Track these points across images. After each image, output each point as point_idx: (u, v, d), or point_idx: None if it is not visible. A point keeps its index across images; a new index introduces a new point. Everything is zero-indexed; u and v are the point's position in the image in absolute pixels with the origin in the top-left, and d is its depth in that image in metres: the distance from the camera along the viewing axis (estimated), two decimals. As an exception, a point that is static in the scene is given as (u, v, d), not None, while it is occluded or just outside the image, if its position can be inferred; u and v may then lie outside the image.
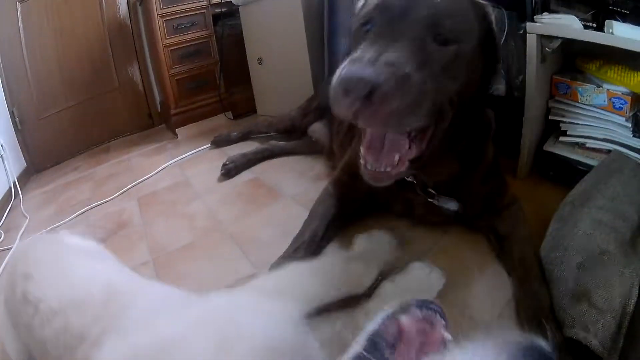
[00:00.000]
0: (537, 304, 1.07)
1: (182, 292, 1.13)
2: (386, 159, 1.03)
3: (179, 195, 2.27)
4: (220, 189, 2.21)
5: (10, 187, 2.78)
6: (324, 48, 2.43)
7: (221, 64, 3.25)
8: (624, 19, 1.38)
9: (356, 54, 0.88)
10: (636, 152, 1.45)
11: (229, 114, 3.34)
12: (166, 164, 2.71)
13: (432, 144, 1.08)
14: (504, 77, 1.73)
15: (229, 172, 2.28)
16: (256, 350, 0.81)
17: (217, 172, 2.33)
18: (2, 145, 2.76)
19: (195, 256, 1.68)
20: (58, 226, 2.25)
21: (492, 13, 1.07)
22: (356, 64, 0.84)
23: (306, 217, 1.52)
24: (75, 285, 1.09)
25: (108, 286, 1.08)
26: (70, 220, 2.29)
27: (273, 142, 2.42)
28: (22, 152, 3.15)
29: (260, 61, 2.96)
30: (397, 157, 1.03)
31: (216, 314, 0.93)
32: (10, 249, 2.07)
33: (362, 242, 1.32)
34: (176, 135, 3.26)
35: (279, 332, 0.87)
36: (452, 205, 1.33)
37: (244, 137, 2.74)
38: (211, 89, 3.32)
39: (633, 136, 1.45)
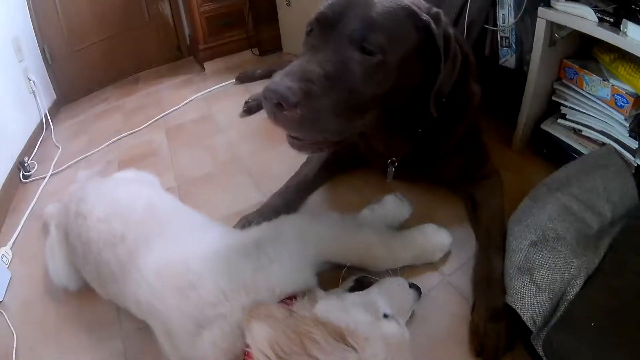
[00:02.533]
0: (490, 270, 1.23)
1: (204, 217, 1.37)
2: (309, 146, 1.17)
3: (204, 128, 2.40)
4: (241, 125, 2.36)
5: (41, 120, 2.82)
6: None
7: (250, 2, 3.25)
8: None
9: (288, 67, 1.03)
10: (629, 152, 1.44)
11: (255, 50, 3.37)
12: (193, 97, 2.82)
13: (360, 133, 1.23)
14: (515, 51, 1.74)
15: (250, 109, 2.42)
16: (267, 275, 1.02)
17: (240, 108, 2.45)
18: (33, 82, 2.78)
19: (214, 185, 1.87)
20: (90, 155, 2.39)
21: (438, 26, 1.12)
22: (278, 77, 0.98)
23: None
24: (119, 201, 1.32)
25: (149, 202, 1.31)
26: (101, 149, 2.42)
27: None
28: (52, 85, 3.19)
29: (288, 3, 2.98)
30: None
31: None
32: (44, 178, 2.27)
33: (376, 207, 1.45)
34: (204, 68, 3.30)
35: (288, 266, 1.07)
36: (389, 175, 1.49)
37: (267, 75, 2.75)
38: (239, 26, 3.34)
39: (629, 136, 1.43)
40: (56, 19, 3.06)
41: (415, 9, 1.12)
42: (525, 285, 1.10)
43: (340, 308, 0.95)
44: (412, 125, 1.29)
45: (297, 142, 1.15)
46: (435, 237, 1.33)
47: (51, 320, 1.44)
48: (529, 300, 1.07)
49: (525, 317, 1.05)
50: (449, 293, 1.27)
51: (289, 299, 1.00)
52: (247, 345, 0.83)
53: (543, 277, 1.10)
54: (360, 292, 1.08)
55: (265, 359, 0.77)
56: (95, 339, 1.35)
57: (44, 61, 3.08)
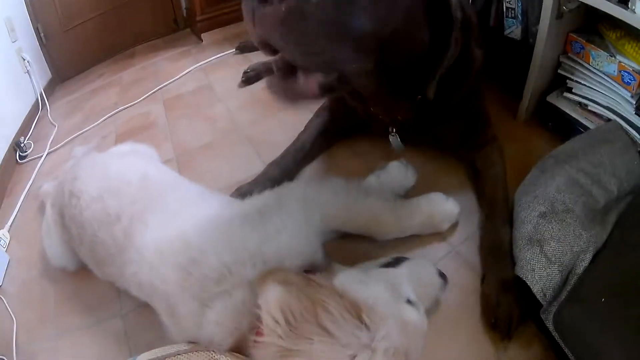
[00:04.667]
0: (497, 240, 1.20)
1: (203, 188, 1.32)
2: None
3: (202, 98, 2.37)
4: (241, 94, 2.31)
5: (37, 99, 2.82)
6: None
7: None
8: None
9: None
10: (634, 130, 1.42)
11: None
12: (191, 68, 2.76)
13: (351, 80, 1.02)
14: (521, 23, 1.70)
15: (250, 79, 2.36)
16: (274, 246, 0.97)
17: (239, 78, 2.40)
18: (28, 62, 2.76)
19: (214, 155, 1.84)
20: (87, 131, 2.37)
21: None
22: None
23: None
24: (112, 176, 1.27)
25: (143, 176, 1.25)
26: (98, 124, 2.40)
27: (293, 52, 2.45)
28: (47, 64, 3.15)
29: None
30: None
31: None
32: (40, 157, 2.26)
33: (381, 174, 1.41)
34: (201, 40, 3.26)
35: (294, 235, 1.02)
36: (397, 144, 1.44)
37: None
38: None
39: (635, 113, 1.41)
40: None
41: None
42: (535, 257, 1.09)
43: (361, 281, 0.91)
44: (411, 93, 1.22)
45: (303, 87, 0.95)
46: (442, 206, 1.30)
47: (50, 302, 1.43)
48: (539, 272, 1.06)
49: (536, 289, 1.04)
50: (457, 264, 1.25)
51: (306, 272, 0.95)
52: (258, 321, 0.78)
53: (553, 249, 1.09)
54: (388, 269, 1.04)
55: (274, 323, 0.74)
56: (95, 319, 1.34)
57: (38, 40, 3.05)
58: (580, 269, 1.05)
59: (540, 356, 1.03)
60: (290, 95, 0.97)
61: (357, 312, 0.77)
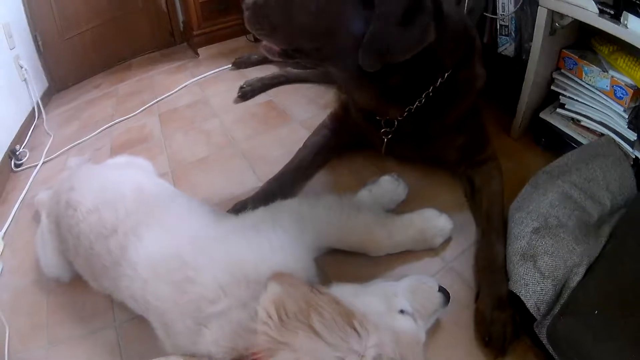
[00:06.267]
0: (492, 257, 1.23)
1: (199, 203, 1.35)
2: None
3: (198, 112, 2.40)
4: (236, 109, 2.34)
5: (33, 107, 2.81)
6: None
7: None
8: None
9: None
10: (627, 144, 1.44)
11: (250, 37, 3.32)
12: (187, 83, 2.81)
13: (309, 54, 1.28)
14: (515, 40, 1.75)
15: (245, 94, 2.41)
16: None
17: (235, 93, 2.44)
18: (25, 69, 2.77)
19: (209, 169, 1.86)
20: (83, 142, 2.39)
21: None
22: None
23: (307, 142, 1.71)
24: (107, 188, 1.28)
25: (138, 188, 1.27)
26: (94, 135, 2.42)
27: (289, 68, 2.49)
28: (44, 73, 3.16)
29: None
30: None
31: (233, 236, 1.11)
32: (35, 166, 2.27)
33: (372, 188, 1.45)
34: (197, 54, 3.30)
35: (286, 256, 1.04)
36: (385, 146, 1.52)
37: (263, 61, 2.76)
38: (234, 12, 3.30)
39: (627, 127, 1.43)
40: (48, 6, 3.06)
41: None
42: (529, 272, 1.11)
43: (354, 293, 0.95)
44: (384, 81, 1.29)
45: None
46: (435, 222, 1.32)
47: (42, 311, 1.43)
48: (533, 287, 1.08)
49: (530, 304, 1.05)
50: (451, 279, 1.26)
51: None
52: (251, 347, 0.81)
53: (547, 263, 1.11)
54: (385, 282, 1.07)
55: (266, 317, 0.79)
56: (88, 329, 1.34)
57: (35, 48, 3.08)
58: (573, 282, 1.06)
59: (535, 369, 1.05)
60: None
61: (349, 318, 0.80)
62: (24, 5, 2.93)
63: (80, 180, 1.36)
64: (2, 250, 1.72)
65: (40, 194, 1.78)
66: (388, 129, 1.46)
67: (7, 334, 1.36)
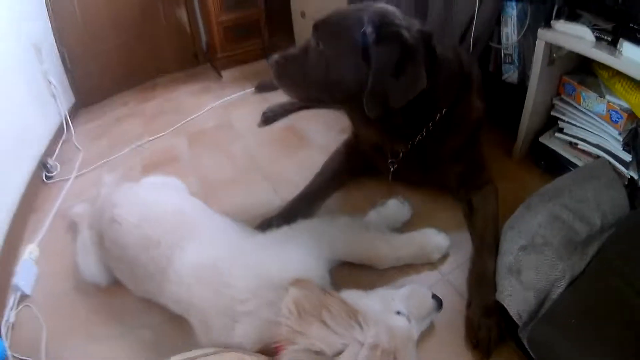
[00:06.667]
0: (483, 270, 1.36)
1: (231, 221, 1.52)
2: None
3: (223, 135, 2.51)
4: (259, 133, 2.47)
5: (62, 122, 2.87)
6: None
7: (266, 14, 3.32)
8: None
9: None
10: (622, 165, 1.52)
11: None
12: (212, 105, 2.91)
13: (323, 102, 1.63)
14: (517, 68, 1.83)
15: (268, 119, 2.54)
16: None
17: (257, 117, 2.56)
18: (54, 85, 2.83)
19: (236, 189, 2.01)
20: (114, 158, 2.49)
21: (389, 41, 1.30)
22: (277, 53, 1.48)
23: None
24: (150, 206, 1.45)
25: (179, 208, 1.45)
26: (124, 154, 2.53)
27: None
28: (71, 88, 3.23)
29: (303, 15, 3.03)
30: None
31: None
32: (68, 179, 2.36)
33: (381, 210, 1.61)
34: (221, 76, 3.40)
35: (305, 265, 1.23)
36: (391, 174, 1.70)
37: None
38: (255, 36, 3.40)
39: (623, 149, 1.51)
40: (75, 22, 3.11)
41: (366, 20, 1.32)
42: (513, 284, 1.22)
43: (358, 297, 1.13)
44: (388, 121, 1.45)
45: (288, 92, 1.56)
46: (434, 240, 1.48)
47: (80, 312, 1.54)
48: (516, 297, 1.19)
49: (512, 312, 1.16)
50: (446, 290, 1.39)
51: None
52: (275, 338, 1.01)
53: (529, 277, 1.21)
54: (386, 289, 1.25)
55: (288, 313, 1.00)
56: (126, 328, 1.45)
57: (62, 64, 3.17)
58: (555, 294, 1.17)
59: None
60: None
61: (353, 315, 1.01)
62: (50, 22, 2.98)
63: (122, 199, 1.51)
64: (38, 257, 1.81)
65: (76, 206, 1.89)
66: (393, 160, 1.61)
67: (44, 332, 1.46)
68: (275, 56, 1.47)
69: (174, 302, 1.27)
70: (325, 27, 1.39)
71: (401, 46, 1.28)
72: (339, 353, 0.96)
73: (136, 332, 1.43)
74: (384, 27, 1.31)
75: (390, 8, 1.40)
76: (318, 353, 0.95)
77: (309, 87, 1.46)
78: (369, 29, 1.29)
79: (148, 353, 1.36)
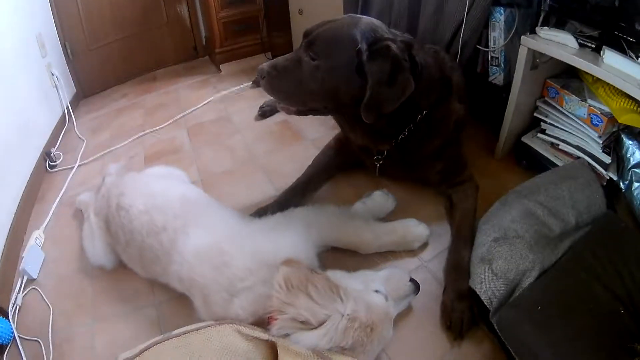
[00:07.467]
0: (458, 259, 1.47)
1: (230, 208, 1.62)
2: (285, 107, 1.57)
3: (222, 128, 2.63)
4: (256, 127, 2.57)
5: (64, 112, 2.92)
6: (358, 6, 2.58)
7: (265, 11, 3.37)
8: (630, 47, 1.37)
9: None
10: (601, 166, 1.58)
11: (269, 55, 3.46)
12: (211, 98, 2.99)
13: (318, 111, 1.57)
14: (504, 70, 1.89)
15: (265, 113, 2.64)
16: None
17: (255, 111, 2.65)
18: (56, 77, 2.88)
19: (234, 179, 2.10)
20: (116, 149, 2.56)
21: (377, 56, 1.38)
22: (266, 63, 1.50)
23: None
24: (156, 195, 1.55)
25: (182, 196, 1.55)
26: (126, 144, 2.60)
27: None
28: (73, 80, 3.27)
29: (300, 12, 3.08)
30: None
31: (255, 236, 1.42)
32: (71, 168, 2.42)
33: (366, 200, 1.73)
34: (220, 70, 3.46)
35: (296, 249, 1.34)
36: (377, 169, 1.78)
37: None
38: (254, 32, 3.48)
39: (602, 151, 1.57)
40: (77, 17, 3.18)
41: (358, 37, 1.40)
42: (484, 272, 1.30)
43: (341, 276, 1.26)
44: (373, 125, 1.52)
45: (283, 107, 1.58)
46: (415, 230, 1.60)
47: (86, 294, 1.62)
48: (487, 284, 1.27)
49: (484, 297, 1.25)
50: (425, 276, 1.51)
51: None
52: (270, 312, 1.13)
53: (500, 266, 1.29)
54: (367, 271, 1.38)
55: (279, 287, 1.12)
56: (130, 307, 1.54)
57: (65, 57, 3.21)
58: (525, 283, 1.24)
59: (489, 352, 1.28)
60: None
61: (336, 290, 1.14)
62: (54, 16, 3.05)
63: (128, 187, 1.61)
64: (44, 242, 1.88)
65: (81, 195, 1.99)
66: (379, 157, 1.71)
67: (51, 313, 1.53)
68: (265, 66, 1.48)
69: (178, 280, 1.38)
70: (320, 43, 1.43)
71: (392, 59, 1.37)
72: (322, 322, 1.09)
73: (140, 311, 1.52)
74: (376, 44, 1.39)
75: (377, 22, 1.49)
76: (304, 322, 1.09)
77: (303, 98, 1.51)
78: (363, 46, 1.38)
79: (152, 329, 1.45)
